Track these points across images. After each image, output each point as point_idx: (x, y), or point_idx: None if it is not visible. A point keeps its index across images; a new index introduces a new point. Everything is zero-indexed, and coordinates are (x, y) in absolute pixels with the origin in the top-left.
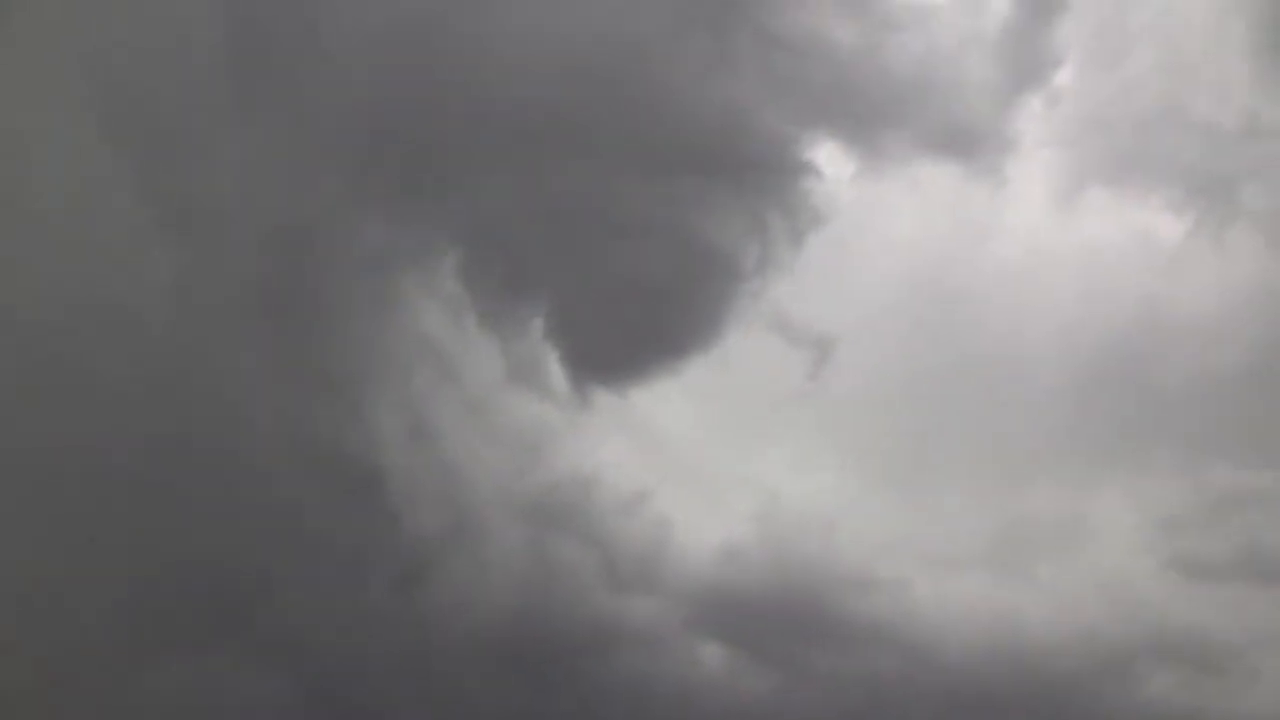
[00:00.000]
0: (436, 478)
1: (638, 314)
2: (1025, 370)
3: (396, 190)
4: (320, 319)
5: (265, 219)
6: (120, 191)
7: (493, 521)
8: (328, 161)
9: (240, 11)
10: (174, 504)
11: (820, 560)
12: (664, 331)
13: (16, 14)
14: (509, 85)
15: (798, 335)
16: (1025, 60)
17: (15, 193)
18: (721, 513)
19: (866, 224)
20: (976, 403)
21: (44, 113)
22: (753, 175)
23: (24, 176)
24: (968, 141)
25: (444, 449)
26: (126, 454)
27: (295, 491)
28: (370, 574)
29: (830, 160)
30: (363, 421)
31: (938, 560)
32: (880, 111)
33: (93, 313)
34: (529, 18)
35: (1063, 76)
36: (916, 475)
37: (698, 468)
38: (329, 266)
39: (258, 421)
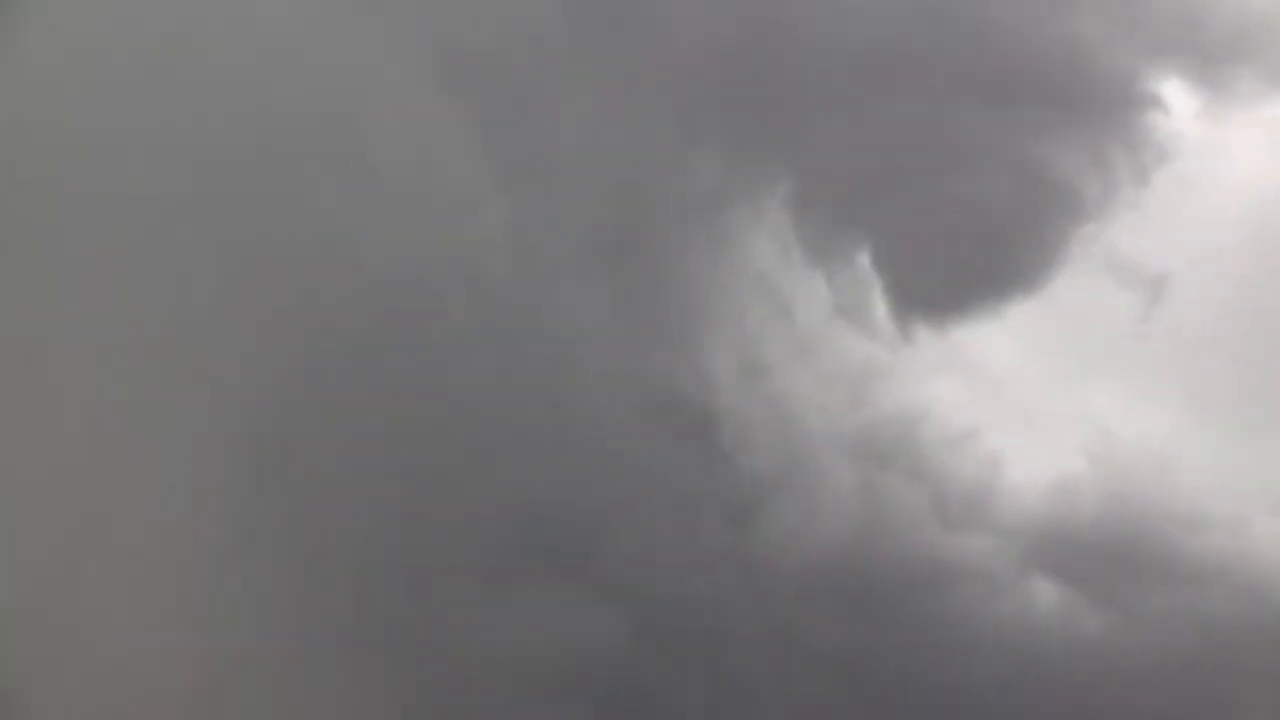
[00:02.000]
0: (768, 416)
1: (967, 249)
2: None
3: (728, 125)
4: (654, 258)
5: (602, 164)
6: (461, 145)
7: (823, 459)
8: (662, 100)
9: None
10: (514, 447)
11: (1155, 497)
12: (993, 268)
13: None
14: (842, 17)
15: (1131, 275)
16: None
17: (358, 148)
18: (1053, 449)
19: (1211, 162)
20: None
21: (386, 69)
22: (1094, 109)
23: (367, 131)
24: None
25: (774, 387)
26: (469, 398)
27: (630, 432)
28: (703, 513)
29: (1175, 96)
30: (695, 361)
31: (1277, 499)
32: (1228, 46)
33: (434, 262)
34: None
35: None
36: (1254, 415)
37: (1027, 405)
38: (662, 204)
39: (593, 364)
